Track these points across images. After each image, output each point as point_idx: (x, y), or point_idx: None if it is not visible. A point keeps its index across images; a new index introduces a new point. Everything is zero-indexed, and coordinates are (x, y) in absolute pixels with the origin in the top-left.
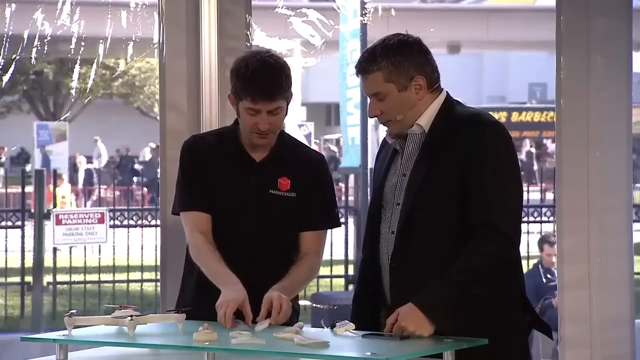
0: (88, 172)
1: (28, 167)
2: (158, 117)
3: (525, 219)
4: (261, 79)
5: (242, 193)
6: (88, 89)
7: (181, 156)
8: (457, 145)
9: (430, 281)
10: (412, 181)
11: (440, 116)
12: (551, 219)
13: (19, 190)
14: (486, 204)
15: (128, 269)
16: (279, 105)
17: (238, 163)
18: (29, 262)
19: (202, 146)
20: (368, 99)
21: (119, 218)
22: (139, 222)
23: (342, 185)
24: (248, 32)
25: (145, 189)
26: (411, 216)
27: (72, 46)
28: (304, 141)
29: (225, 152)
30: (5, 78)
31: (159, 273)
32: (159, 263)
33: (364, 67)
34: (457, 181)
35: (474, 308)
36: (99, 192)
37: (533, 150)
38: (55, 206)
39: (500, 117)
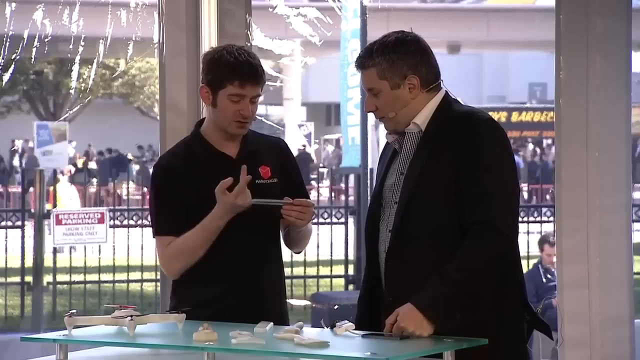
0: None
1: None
2: (158, 117)
3: (525, 219)
4: (247, 64)
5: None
6: (88, 89)
7: (153, 180)
8: (451, 143)
9: (426, 279)
10: (409, 180)
11: (437, 115)
12: (551, 219)
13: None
14: (482, 202)
15: (128, 269)
16: (260, 92)
17: (214, 164)
18: (29, 262)
19: (174, 163)
20: (367, 94)
21: (118, 218)
22: (139, 222)
23: (342, 185)
24: (248, 32)
25: (145, 189)
26: (407, 214)
27: (72, 46)
28: (304, 141)
29: (197, 159)
30: (5, 78)
31: (159, 273)
32: (159, 263)
33: (361, 62)
34: (452, 179)
35: (472, 307)
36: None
37: None
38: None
39: (500, 117)
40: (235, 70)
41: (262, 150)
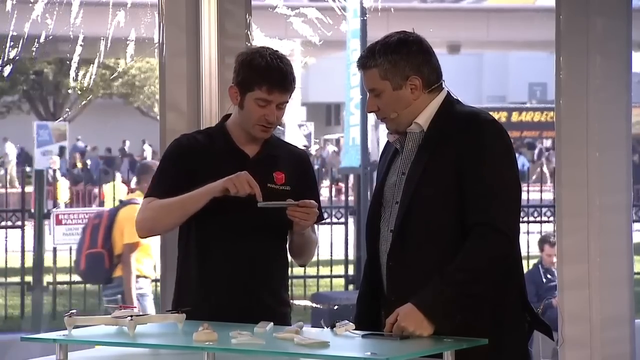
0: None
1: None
2: (158, 117)
3: (525, 219)
4: (278, 70)
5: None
6: (88, 89)
7: (166, 152)
8: (454, 143)
9: (428, 279)
10: (410, 179)
11: (439, 115)
12: (551, 219)
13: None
14: (484, 203)
15: None
16: (287, 99)
17: (231, 159)
18: (29, 262)
19: (194, 145)
20: (368, 94)
21: None
22: None
23: (342, 185)
24: (248, 32)
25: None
26: (408, 214)
27: (72, 46)
28: (304, 141)
29: (216, 149)
30: (5, 77)
31: (158, 273)
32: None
33: (363, 63)
34: (454, 179)
35: (473, 308)
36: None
37: None
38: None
39: (500, 117)
40: (265, 76)
41: (282, 157)
